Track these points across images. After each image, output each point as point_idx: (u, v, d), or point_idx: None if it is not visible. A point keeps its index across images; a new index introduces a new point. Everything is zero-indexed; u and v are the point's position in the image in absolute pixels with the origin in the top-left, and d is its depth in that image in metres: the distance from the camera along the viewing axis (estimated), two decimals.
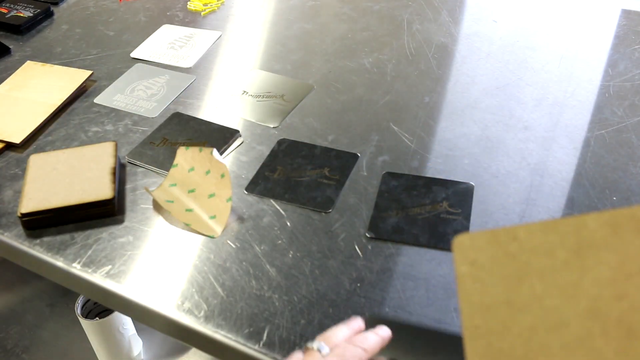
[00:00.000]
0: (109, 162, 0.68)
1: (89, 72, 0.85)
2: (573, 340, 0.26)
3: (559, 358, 0.26)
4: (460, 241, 0.30)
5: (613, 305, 0.26)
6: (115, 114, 0.80)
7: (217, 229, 0.62)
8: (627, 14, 0.99)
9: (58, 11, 1.05)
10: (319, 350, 0.42)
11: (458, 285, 0.29)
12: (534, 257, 0.28)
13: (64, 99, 0.81)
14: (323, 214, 0.64)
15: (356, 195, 0.66)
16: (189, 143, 0.73)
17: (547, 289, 0.27)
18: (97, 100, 0.83)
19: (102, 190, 0.64)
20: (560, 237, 0.27)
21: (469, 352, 0.28)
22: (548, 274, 0.27)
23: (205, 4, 1.04)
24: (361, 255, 0.59)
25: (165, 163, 0.70)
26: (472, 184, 0.67)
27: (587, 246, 0.27)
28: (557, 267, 0.27)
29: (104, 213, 0.64)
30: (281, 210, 0.64)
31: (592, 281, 0.26)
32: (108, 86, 0.85)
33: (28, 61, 0.89)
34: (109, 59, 0.91)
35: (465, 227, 0.61)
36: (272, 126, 0.77)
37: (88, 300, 0.98)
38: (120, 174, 0.69)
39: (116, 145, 0.71)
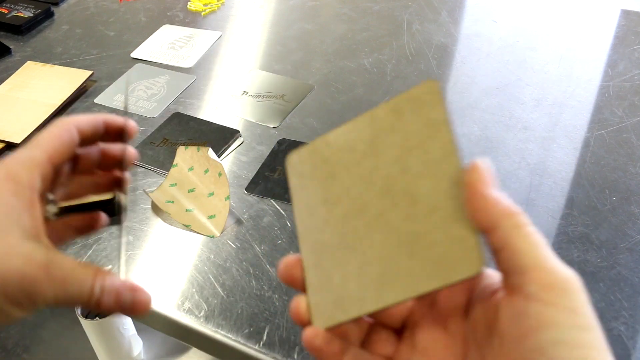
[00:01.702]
0: None
1: (89, 72, 0.85)
2: (373, 218, 0.29)
3: (364, 236, 0.29)
4: (290, 159, 0.34)
5: (399, 178, 0.28)
6: (115, 114, 0.80)
7: (217, 228, 0.62)
8: (626, 14, 0.99)
9: (58, 11, 1.05)
10: None
11: (291, 197, 0.33)
12: (341, 155, 0.31)
13: (64, 99, 0.81)
14: None
15: None
16: (189, 143, 0.73)
17: (352, 181, 0.30)
18: (97, 100, 0.83)
19: None
20: (359, 132, 0.31)
21: (302, 251, 0.32)
22: (352, 167, 0.30)
23: (205, 4, 1.04)
24: None
25: (165, 163, 0.71)
26: None
27: (378, 134, 0.30)
28: (358, 159, 0.30)
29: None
30: (281, 210, 0.64)
31: (384, 163, 0.29)
32: (108, 86, 0.85)
33: (28, 61, 0.89)
34: (109, 59, 0.91)
35: None
36: (272, 126, 0.77)
37: None
38: None
39: None
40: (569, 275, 0.25)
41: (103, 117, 0.38)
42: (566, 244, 0.60)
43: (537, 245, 0.25)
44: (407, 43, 0.93)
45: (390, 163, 0.29)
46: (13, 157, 0.32)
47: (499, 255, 0.26)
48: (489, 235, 0.26)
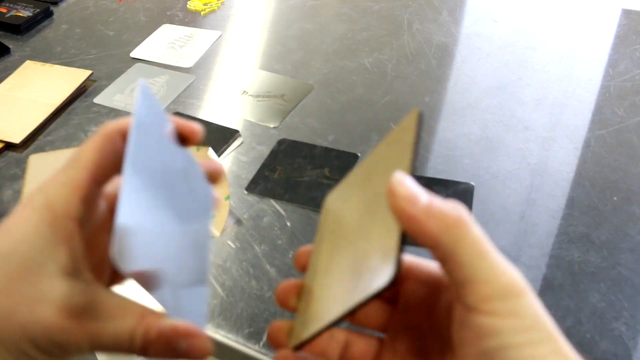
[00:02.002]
0: None
1: (88, 72, 0.85)
2: (348, 243, 0.30)
3: (336, 261, 0.30)
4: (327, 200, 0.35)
5: (375, 201, 0.29)
6: (115, 114, 0.80)
7: (217, 228, 0.62)
8: (627, 14, 0.99)
9: (58, 11, 1.04)
10: None
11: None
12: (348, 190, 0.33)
13: (64, 98, 0.81)
14: None
15: None
16: None
17: (352, 208, 0.32)
18: (96, 100, 0.83)
19: None
20: (368, 164, 0.32)
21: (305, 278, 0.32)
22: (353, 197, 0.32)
23: (205, 4, 1.04)
24: None
25: None
26: (473, 184, 0.67)
27: (377, 162, 0.31)
28: (355, 191, 0.32)
29: None
30: (281, 211, 0.64)
31: (373, 186, 0.30)
32: (108, 86, 0.85)
33: (28, 61, 0.89)
34: (108, 59, 0.91)
35: None
36: (272, 126, 0.77)
37: None
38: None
39: None
40: (510, 281, 0.24)
41: None
42: (567, 244, 0.60)
43: (477, 257, 0.24)
44: (408, 43, 0.93)
45: (376, 185, 0.29)
46: (51, 181, 0.28)
47: (443, 268, 0.26)
48: (433, 251, 0.25)
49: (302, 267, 0.33)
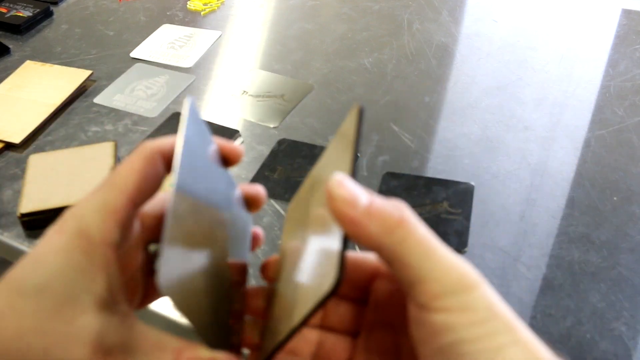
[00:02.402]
0: (108, 162, 0.68)
1: (88, 72, 0.85)
2: (301, 251, 0.29)
3: (293, 271, 0.29)
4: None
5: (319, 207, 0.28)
6: (115, 114, 0.80)
7: None
8: (627, 14, 0.99)
9: (58, 11, 1.04)
10: None
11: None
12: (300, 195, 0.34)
13: (64, 98, 0.81)
14: None
15: None
16: None
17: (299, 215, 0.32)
18: (96, 100, 0.83)
19: None
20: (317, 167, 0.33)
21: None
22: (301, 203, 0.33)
23: (205, 4, 1.04)
24: None
25: None
26: (473, 184, 0.67)
27: (322, 167, 0.31)
28: (305, 196, 0.33)
29: None
30: (281, 211, 0.64)
31: (318, 194, 0.30)
32: (108, 86, 0.85)
33: (27, 61, 0.89)
34: (108, 59, 0.91)
35: (465, 227, 0.61)
36: (272, 126, 0.77)
37: None
38: None
39: (116, 145, 0.71)
40: (460, 276, 0.24)
41: None
42: (567, 244, 0.60)
43: (423, 256, 0.24)
44: (408, 43, 0.93)
45: (321, 189, 0.28)
46: (85, 204, 0.26)
47: (391, 269, 0.25)
48: (377, 253, 0.25)
49: (269, 279, 0.32)
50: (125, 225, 0.27)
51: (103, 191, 0.27)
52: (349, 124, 0.28)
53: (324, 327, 0.31)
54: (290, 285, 0.29)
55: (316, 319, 0.31)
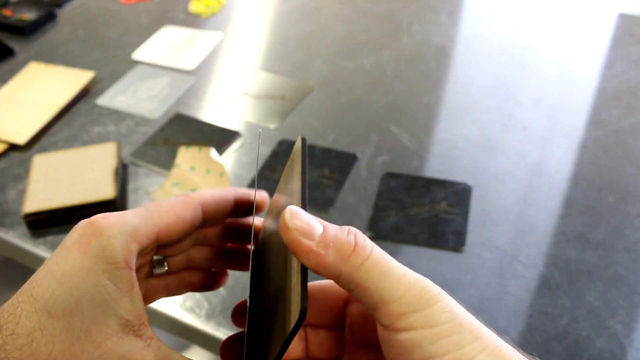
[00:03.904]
0: (111, 163, 0.69)
1: (91, 74, 0.86)
2: (272, 285, 0.29)
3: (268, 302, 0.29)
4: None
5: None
6: (118, 115, 0.81)
7: None
8: (623, 17, 0.99)
9: (61, 13, 1.05)
10: None
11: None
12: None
13: (67, 100, 0.82)
14: (323, 213, 0.64)
15: (356, 195, 0.67)
16: (191, 144, 0.74)
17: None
18: (99, 101, 0.83)
19: (104, 190, 0.65)
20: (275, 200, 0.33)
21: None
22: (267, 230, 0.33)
23: (206, 6, 1.05)
24: None
25: (167, 163, 0.71)
26: (471, 184, 0.67)
27: (279, 197, 0.32)
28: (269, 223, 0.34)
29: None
30: None
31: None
32: (110, 87, 0.86)
33: (32, 62, 0.90)
34: (111, 61, 0.92)
35: (463, 227, 0.62)
36: (272, 127, 0.77)
37: None
38: (122, 174, 0.70)
39: (118, 146, 0.72)
40: (420, 292, 0.24)
41: (234, 193, 0.34)
42: (564, 244, 0.60)
43: (380, 279, 0.24)
44: (407, 44, 0.94)
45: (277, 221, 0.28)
46: (114, 223, 0.27)
47: (353, 295, 0.25)
48: (336, 281, 0.25)
49: (241, 324, 0.32)
50: (144, 252, 0.28)
51: (138, 218, 0.28)
52: (295, 157, 0.28)
53: (309, 357, 0.32)
54: (263, 320, 0.29)
55: (299, 353, 0.32)
